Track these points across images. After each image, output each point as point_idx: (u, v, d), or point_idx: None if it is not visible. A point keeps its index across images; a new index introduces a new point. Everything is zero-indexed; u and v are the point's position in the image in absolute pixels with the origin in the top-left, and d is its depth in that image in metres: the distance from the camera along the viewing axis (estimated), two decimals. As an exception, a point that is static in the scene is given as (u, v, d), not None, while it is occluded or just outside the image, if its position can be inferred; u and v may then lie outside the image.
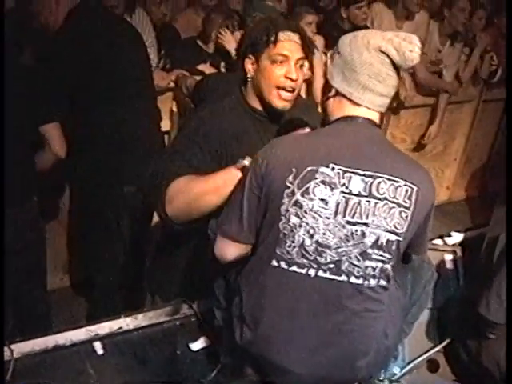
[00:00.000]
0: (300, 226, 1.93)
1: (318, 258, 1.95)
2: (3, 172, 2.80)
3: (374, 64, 1.96)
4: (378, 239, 1.95)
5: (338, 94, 2.04)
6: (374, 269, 1.97)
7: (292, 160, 1.94)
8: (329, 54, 2.09)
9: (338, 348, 2.00)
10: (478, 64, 5.64)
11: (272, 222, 1.97)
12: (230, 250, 2.11)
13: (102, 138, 3.37)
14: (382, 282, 2.00)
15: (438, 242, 3.21)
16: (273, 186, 1.95)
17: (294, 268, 1.96)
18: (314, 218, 1.92)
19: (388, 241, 1.96)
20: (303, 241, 1.94)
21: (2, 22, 2.83)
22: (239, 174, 2.19)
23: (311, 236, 1.94)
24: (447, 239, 3.34)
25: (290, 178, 1.92)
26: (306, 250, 1.95)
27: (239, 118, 2.56)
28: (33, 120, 3.04)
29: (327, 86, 2.08)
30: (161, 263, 2.95)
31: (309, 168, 1.92)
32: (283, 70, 2.42)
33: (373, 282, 1.99)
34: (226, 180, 2.23)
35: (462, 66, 5.60)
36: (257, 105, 2.56)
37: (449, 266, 3.09)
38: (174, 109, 4.14)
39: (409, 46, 1.95)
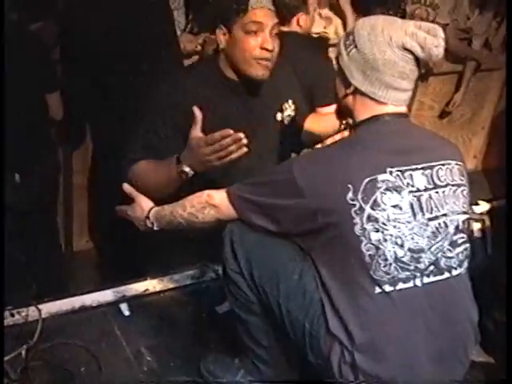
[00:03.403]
0: (385, 240, 1.79)
1: (418, 265, 1.84)
2: (3, 161, 2.86)
3: (399, 63, 1.85)
4: (457, 224, 1.91)
5: (357, 91, 1.92)
6: (463, 252, 1.93)
7: (342, 176, 1.80)
8: (342, 43, 1.96)
9: (455, 352, 1.93)
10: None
11: (348, 248, 1.81)
12: (221, 212, 2.01)
13: (115, 99, 3.42)
14: (466, 263, 1.96)
15: (467, 210, 3.18)
16: (329, 211, 1.79)
17: (400, 285, 1.82)
18: (394, 227, 1.80)
19: (463, 222, 1.93)
20: (396, 254, 1.81)
21: (2, 22, 2.85)
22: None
23: (401, 246, 1.81)
24: (475, 208, 3.31)
25: (351, 195, 1.77)
26: (403, 262, 1.82)
27: (212, 87, 2.46)
28: (40, 88, 3.31)
29: (345, 82, 1.95)
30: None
31: (367, 179, 1.78)
32: (258, 40, 2.34)
33: (465, 265, 1.95)
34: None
35: (492, 33, 5.49)
36: (231, 74, 2.46)
37: (477, 234, 3.06)
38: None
39: (434, 42, 1.83)
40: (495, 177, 5.77)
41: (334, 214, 1.80)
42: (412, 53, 1.86)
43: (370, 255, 1.79)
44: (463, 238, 1.94)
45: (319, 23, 3.91)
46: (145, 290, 2.67)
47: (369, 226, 1.78)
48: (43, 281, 3.49)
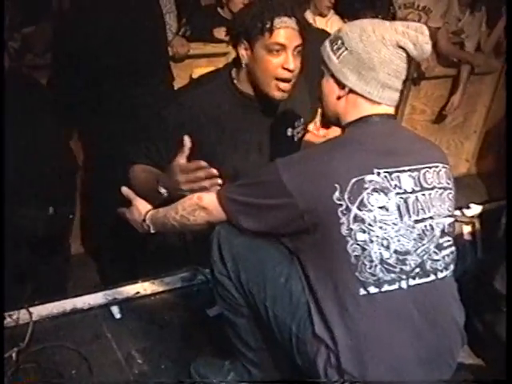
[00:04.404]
0: (371, 241, 1.79)
1: (403, 267, 1.83)
2: (3, 169, 2.85)
3: (393, 60, 1.88)
4: (443, 227, 1.91)
5: (351, 92, 1.93)
6: (449, 255, 1.94)
7: (328, 176, 1.79)
8: (329, 48, 1.96)
9: (441, 354, 1.93)
10: (502, 35, 5.55)
11: (334, 249, 1.81)
12: (211, 214, 2.03)
13: (109, 107, 3.44)
14: (453, 266, 1.97)
15: (457, 213, 3.19)
16: (316, 211, 1.79)
17: (386, 287, 1.81)
18: (381, 228, 1.80)
19: (449, 225, 1.94)
20: (381, 255, 1.80)
21: (2, 26, 2.85)
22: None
23: (387, 247, 1.81)
24: (466, 211, 3.33)
25: (337, 195, 1.76)
26: (388, 264, 1.81)
27: (225, 101, 2.47)
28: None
29: (337, 85, 1.95)
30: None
31: (354, 180, 1.78)
32: (280, 59, 2.33)
33: (451, 268, 1.96)
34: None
35: (484, 37, 5.52)
36: (247, 89, 2.47)
37: (467, 237, 3.08)
38: (194, 76, 4.11)
39: (424, 39, 1.87)
40: (487, 180, 5.80)
41: (321, 214, 1.79)
42: (405, 50, 1.88)
43: (355, 256, 1.79)
44: (449, 240, 1.94)
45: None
46: (136, 293, 2.68)
47: (355, 227, 1.78)
48: (41, 284, 3.48)
